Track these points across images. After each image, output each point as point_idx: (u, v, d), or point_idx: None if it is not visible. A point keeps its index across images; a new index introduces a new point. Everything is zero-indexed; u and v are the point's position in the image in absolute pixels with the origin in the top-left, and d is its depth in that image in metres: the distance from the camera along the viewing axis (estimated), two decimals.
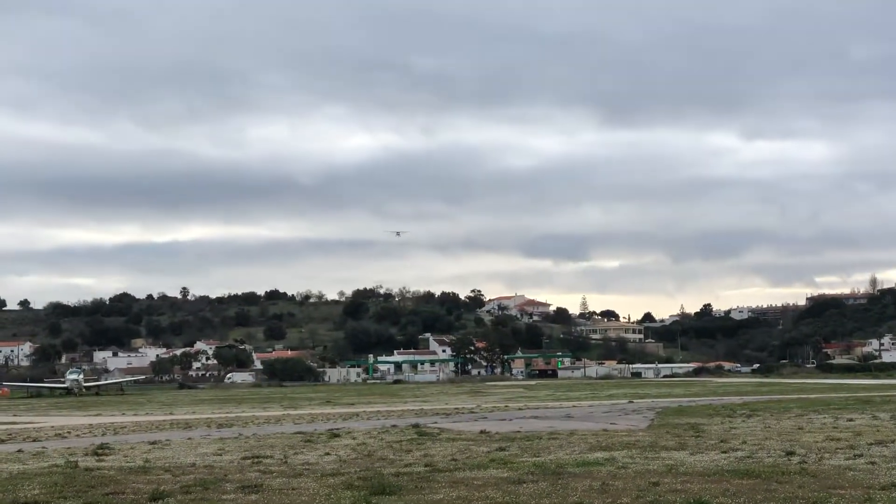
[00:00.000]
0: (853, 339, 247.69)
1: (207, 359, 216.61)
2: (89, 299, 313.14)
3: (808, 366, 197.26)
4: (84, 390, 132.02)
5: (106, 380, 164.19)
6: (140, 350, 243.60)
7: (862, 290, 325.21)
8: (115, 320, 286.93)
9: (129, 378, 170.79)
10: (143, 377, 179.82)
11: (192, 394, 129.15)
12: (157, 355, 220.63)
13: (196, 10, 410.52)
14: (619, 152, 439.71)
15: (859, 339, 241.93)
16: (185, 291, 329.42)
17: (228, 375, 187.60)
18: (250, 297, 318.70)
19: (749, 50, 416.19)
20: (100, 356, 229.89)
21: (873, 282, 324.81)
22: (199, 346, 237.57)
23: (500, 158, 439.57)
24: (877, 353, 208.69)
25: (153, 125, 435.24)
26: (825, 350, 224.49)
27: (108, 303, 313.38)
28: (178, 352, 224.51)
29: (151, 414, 68.03)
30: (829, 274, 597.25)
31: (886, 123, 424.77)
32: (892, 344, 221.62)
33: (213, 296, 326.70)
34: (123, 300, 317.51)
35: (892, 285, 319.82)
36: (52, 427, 52.58)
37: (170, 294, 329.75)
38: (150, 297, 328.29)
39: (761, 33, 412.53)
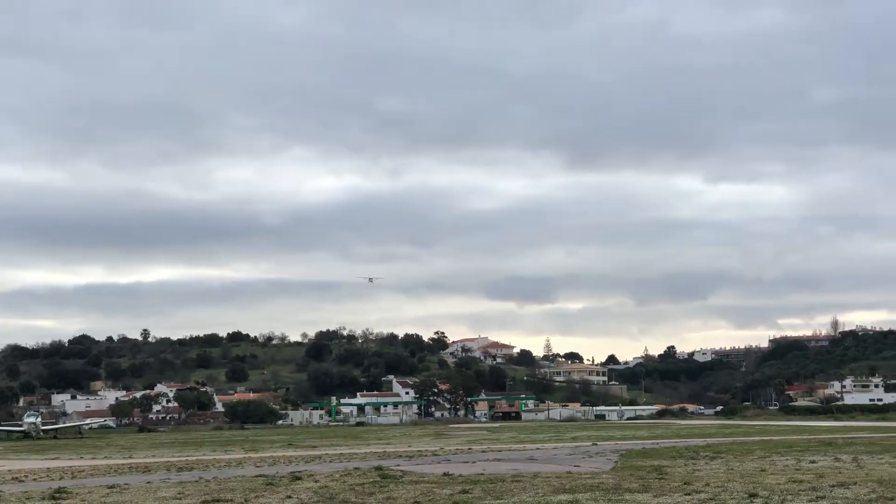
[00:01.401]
0: (815, 381, 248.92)
1: (168, 401, 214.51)
2: (48, 341, 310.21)
3: (770, 408, 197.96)
4: (42, 434, 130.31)
5: (64, 423, 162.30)
6: (99, 393, 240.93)
7: (824, 333, 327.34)
8: (75, 362, 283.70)
9: (97, 420, 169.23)
10: (103, 420, 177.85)
11: (151, 437, 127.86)
12: (117, 398, 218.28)
13: (164, 51, 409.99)
14: (584, 194, 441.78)
15: (821, 382, 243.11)
16: (145, 333, 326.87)
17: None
18: (212, 339, 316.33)
19: (713, 93, 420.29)
20: (58, 399, 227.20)
21: (835, 324, 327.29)
22: (160, 388, 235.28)
23: (466, 200, 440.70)
24: (839, 396, 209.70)
25: (120, 166, 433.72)
26: (788, 392, 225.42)
27: (67, 345, 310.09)
28: (138, 394, 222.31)
29: (110, 457, 67.16)
30: (791, 316, 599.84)
31: (848, 167, 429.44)
32: (854, 386, 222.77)
33: (174, 337, 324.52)
34: (83, 342, 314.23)
35: (854, 328, 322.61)
36: (10, 471, 51.75)
37: (130, 336, 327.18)
38: (109, 338, 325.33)
39: (725, 76, 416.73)
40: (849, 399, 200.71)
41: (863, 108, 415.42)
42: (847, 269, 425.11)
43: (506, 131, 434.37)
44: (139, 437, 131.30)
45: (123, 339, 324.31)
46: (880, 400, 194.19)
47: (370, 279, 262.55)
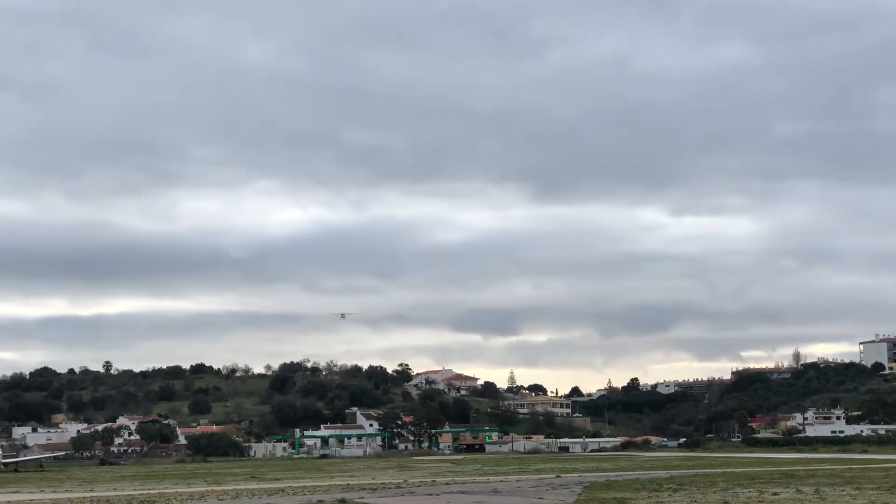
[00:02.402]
0: (778, 413, 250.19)
1: (130, 434, 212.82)
2: (9, 373, 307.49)
3: (733, 440, 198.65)
4: (2, 467, 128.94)
5: (25, 456, 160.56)
6: (61, 426, 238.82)
7: (786, 365, 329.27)
8: (35, 395, 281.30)
9: (56, 453, 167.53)
10: (63, 453, 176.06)
11: (113, 470, 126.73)
12: (78, 431, 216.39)
13: (127, 83, 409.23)
14: (549, 227, 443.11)
15: (784, 414, 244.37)
16: (108, 365, 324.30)
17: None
18: (175, 371, 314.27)
19: (677, 127, 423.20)
20: (19, 432, 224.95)
21: (797, 356, 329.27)
22: (122, 421, 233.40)
23: (431, 233, 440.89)
24: (801, 428, 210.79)
25: (83, 198, 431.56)
26: (750, 424, 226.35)
27: (28, 377, 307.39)
28: (100, 427, 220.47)
29: (71, 491, 66.56)
30: (754, 348, 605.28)
31: (810, 200, 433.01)
32: (816, 418, 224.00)
33: (137, 370, 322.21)
34: (44, 374, 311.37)
35: (816, 360, 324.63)
36: None
37: (92, 368, 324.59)
38: (71, 371, 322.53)
39: (689, 111, 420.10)
40: (811, 431, 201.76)
41: (825, 142, 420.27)
42: (809, 301, 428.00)
43: (471, 164, 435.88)
44: (101, 470, 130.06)
45: (85, 372, 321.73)
46: (842, 432, 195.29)
47: (342, 315, 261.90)
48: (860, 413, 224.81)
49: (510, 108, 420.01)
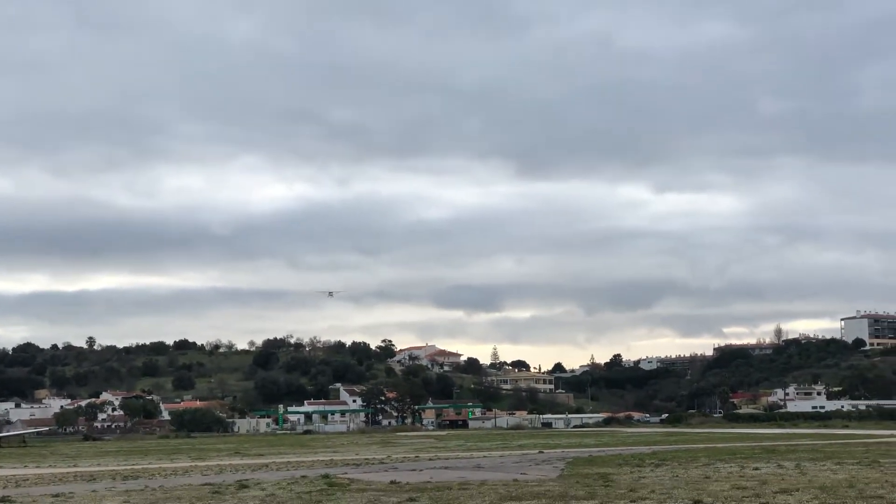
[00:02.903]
0: (759, 389, 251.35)
1: (114, 410, 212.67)
2: None
3: (715, 415, 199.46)
4: None
5: (8, 431, 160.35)
6: (43, 401, 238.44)
7: (767, 341, 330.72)
8: (18, 371, 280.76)
9: (40, 429, 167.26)
10: (47, 429, 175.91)
11: (97, 445, 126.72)
12: (62, 406, 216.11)
13: (111, 59, 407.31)
14: (532, 204, 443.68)
15: (765, 390, 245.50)
16: (91, 341, 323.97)
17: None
18: (159, 347, 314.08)
19: (660, 105, 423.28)
20: (1, 408, 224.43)
21: (778, 332, 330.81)
22: (105, 396, 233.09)
23: (415, 209, 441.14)
24: (782, 403, 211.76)
25: (66, 174, 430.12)
26: (732, 400, 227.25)
27: (11, 353, 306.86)
28: (83, 403, 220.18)
29: (54, 466, 66.57)
30: (736, 325, 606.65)
31: (793, 178, 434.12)
32: (797, 394, 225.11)
33: (120, 345, 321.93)
34: (27, 350, 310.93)
35: (797, 336, 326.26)
36: None
37: (75, 344, 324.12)
38: (54, 346, 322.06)
39: (672, 89, 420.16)
40: (792, 407, 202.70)
41: (809, 120, 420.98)
42: (791, 278, 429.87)
43: (455, 141, 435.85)
44: (84, 445, 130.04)
45: (68, 348, 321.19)
46: (822, 407, 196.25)
47: (330, 293, 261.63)
48: (841, 389, 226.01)
49: (494, 85, 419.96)
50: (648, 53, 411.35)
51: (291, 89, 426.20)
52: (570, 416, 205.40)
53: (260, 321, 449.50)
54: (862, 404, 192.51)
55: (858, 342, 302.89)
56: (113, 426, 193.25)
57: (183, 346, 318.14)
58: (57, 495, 37.23)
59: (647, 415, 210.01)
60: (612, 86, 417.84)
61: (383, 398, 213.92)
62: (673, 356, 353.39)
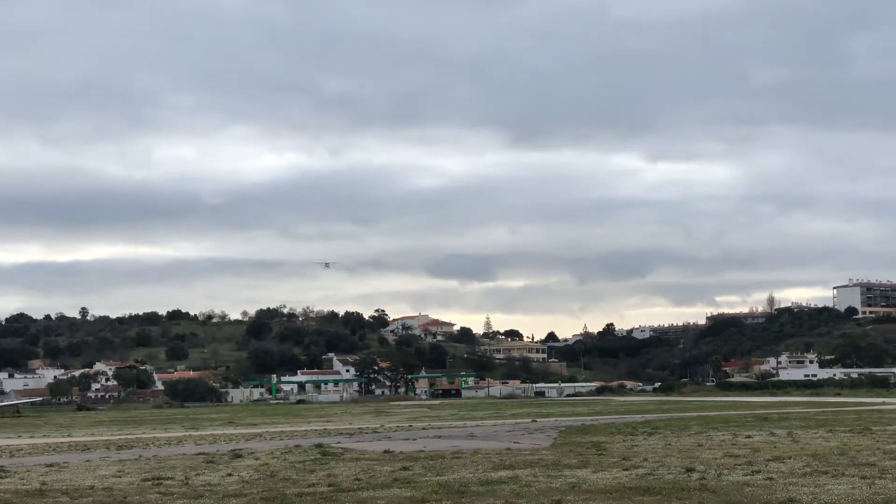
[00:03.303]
0: (751, 357, 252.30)
1: (107, 380, 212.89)
2: None
3: (707, 384, 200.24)
4: None
5: (1, 402, 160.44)
6: (37, 371, 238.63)
7: (760, 310, 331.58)
8: (12, 341, 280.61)
9: (33, 399, 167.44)
10: (40, 399, 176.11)
11: (90, 415, 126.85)
12: (55, 376, 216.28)
13: (103, 30, 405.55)
14: (525, 173, 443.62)
15: (757, 358, 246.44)
16: (84, 312, 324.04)
17: None
18: (152, 318, 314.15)
19: (653, 74, 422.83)
20: None
21: (771, 301, 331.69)
22: (99, 366, 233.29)
23: (408, 179, 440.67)
24: (774, 372, 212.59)
25: (58, 144, 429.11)
26: (725, 368, 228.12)
27: (4, 323, 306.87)
28: (77, 373, 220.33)
29: (48, 436, 66.65)
30: (729, 294, 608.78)
31: (786, 146, 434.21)
32: (789, 362, 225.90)
33: (113, 316, 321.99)
34: (20, 320, 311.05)
35: (790, 305, 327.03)
36: None
37: (69, 314, 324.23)
38: (48, 317, 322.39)
39: (665, 58, 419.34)
40: (784, 375, 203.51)
41: (802, 88, 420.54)
42: (784, 247, 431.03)
43: (447, 111, 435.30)
44: (78, 415, 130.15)
45: (62, 318, 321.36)
46: (814, 375, 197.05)
47: (327, 264, 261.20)
48: (833, 357, 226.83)
49: (487, 55, 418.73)
50: (642, 23, 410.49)
51: (283, 59, 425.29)
52: (562, 385, 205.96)
53: (253, 291, 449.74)
54: (854, 372, 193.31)
55: (851, 310, 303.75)
56: (106, 396, 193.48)
57: (176, 316, 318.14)
58: (51, 465, 37.27)
59: (640, 383, 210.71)
60: (605, 55, 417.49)
61: (376, 368, 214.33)
62: (666, 325, 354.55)
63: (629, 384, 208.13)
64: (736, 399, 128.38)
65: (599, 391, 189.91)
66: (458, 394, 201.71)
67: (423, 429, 62.64)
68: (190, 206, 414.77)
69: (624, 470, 30.05)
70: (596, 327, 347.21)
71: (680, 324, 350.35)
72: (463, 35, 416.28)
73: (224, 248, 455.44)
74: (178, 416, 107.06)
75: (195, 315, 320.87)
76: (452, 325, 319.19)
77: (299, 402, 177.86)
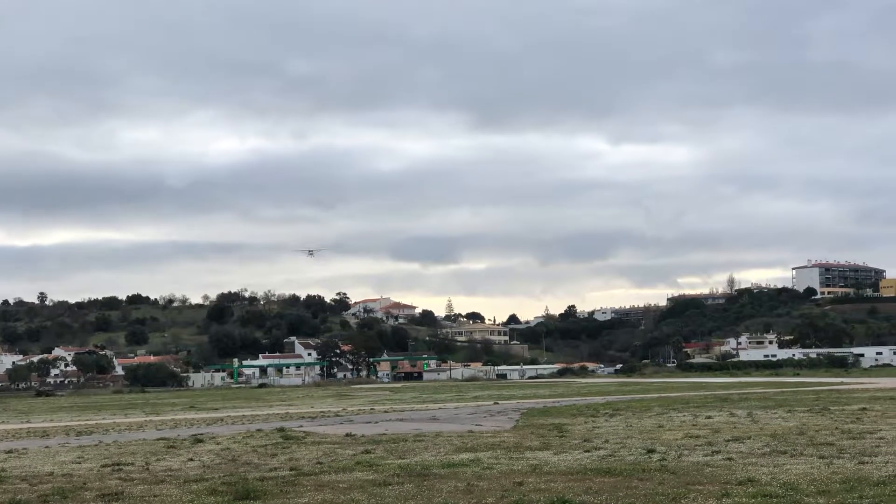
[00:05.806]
0: (712, 338, 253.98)
1: (66, 365, 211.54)
2: None
3: (668, 365, 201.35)
4: None
5: None
6: None
7: (720, 290, 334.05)
8: None
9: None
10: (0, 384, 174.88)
11: (49, 401, 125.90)
12: (14, 362, 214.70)
13: (65, 11, 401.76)
14: (489, 156, 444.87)
15: (718, 339, 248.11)
16: (42, 297, 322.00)
17: None
18: (112, 302, 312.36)
19: (616, 57, 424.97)
20: None
21: (731, 282, 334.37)
22: (58, 352, 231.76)
23: (371, 162, 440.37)
24: (734, 352, 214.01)
25: (18, 128, 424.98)
26: (685, 349, 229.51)
27: None
28: (35, 358, 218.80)
29: (7, 422, 66.10)
30: (690, 275, 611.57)
31: (747, 128, 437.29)
32: (749, 343, 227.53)
33: (72, 301, 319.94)
34: None
35: (749, 285, 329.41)
36: None
37: (27, 299, 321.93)
38: (6, 302, 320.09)
39: (627, 41, 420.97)
40: (744, 355, 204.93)
41: (763, 70, 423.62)
42: (744, 228, 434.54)
43: (411, 93, 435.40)
44: (37, 401, 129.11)
45: (20, 303, 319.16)
46: (774, 356, 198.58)
47: (310, 252, 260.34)
48: (792, 337, 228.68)
49: (451, 37, 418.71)
50: (604, 5, 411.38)
51: (246, 42, 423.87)
52: (524, 367, 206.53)
53: (215, 275, 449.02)
54: (813, 352, 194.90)
55: (810, 291, 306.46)
56: (66, 382, 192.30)
57: (136, 300, 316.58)
58: (9, 451, 36.93)
59: (602, 365, 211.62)
60: (568, 38, 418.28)
61: (338, 351, 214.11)
62: (627, 307, 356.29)
63: (591, 366, 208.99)
64: (696, 380, 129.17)
65: (561, 373, 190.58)
66: (420, 377, 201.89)
67: (385, 412, 62.61)
68: (152, 189, 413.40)
69: (585, 451, 30.13)
70: (558, 309, 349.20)
71: (641, 305, 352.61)
72: (426, 16, 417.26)
73: (186, 231, 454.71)
74: (138, 402, 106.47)
75: (156, 299, 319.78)
76: (414, 307, 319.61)
77: (261, 385, 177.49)
